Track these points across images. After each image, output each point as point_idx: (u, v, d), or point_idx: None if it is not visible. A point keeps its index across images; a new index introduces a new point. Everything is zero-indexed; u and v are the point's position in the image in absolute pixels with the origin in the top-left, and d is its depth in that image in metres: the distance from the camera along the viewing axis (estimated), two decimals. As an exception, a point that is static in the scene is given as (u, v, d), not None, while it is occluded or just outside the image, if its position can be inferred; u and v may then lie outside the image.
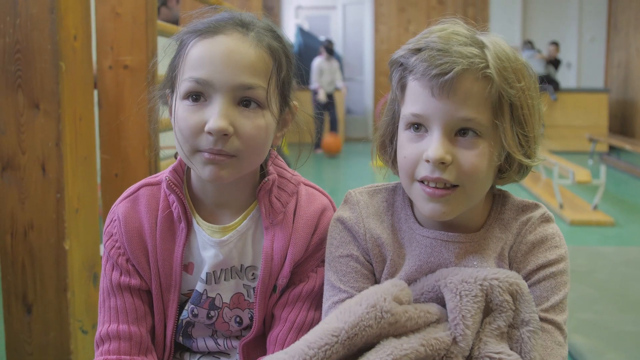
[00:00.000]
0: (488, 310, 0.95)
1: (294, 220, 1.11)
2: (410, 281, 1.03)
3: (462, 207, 0.99)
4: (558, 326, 1.00)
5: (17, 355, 1.88)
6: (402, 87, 1.01)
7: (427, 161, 0.95)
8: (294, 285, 1.11)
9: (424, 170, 0.96)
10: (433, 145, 0.94)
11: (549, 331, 0.99)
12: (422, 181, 0.97)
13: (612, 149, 9.42)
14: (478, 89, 0.94)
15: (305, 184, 1.17)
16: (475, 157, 0.95)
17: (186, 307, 1.14)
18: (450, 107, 0.94)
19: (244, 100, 1.01)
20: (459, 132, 0.95)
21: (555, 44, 10.01)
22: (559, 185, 5.45)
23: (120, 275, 1.11)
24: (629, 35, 10.43)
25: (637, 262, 3.75)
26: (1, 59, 1.79)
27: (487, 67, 0.93)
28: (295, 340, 1.08)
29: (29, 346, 1.87)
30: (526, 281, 1.01)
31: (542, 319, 0.99)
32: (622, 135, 9.91)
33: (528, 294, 0.94)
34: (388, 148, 1.08)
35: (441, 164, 0.94)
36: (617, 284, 3.34)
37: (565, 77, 11.17)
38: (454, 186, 0.96)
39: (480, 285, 0.94)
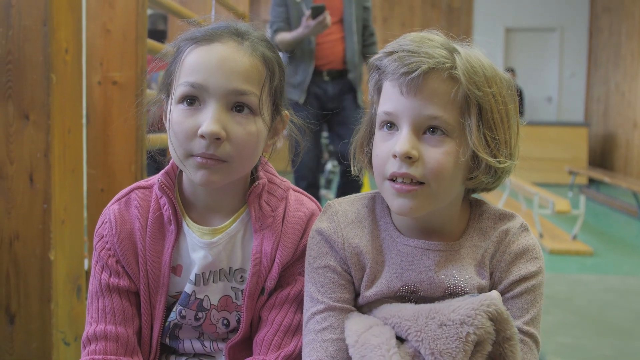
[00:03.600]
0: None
1: (282, 224, 1.13)
2: (391, 289, 1.05)
3: (430, 205, 1.00)
4: (535, 340, 1.04)
5: (-2, 366, 1.87)
6: (378, 90, 1.05)
7: (395, 156, 0.98)
8: (282, 288, 1.13)
9: (392, 166, 0.99)
10: (400, 140, 0.97)
11: (528, 345, 1.02)
12: (391, 179, 1.00)
13: (592, 181, 9.54)
14: (445, 89, 0.97)
15: (294, 190, 1.19)
16: (441, 154, 0.97)
17: (174, 309, 1.15)
18: (417, 105, 0.97)
19: (237, 105, 1.04)
20: (427, 130, 0.98)
21: (511, 70, 10.12)
22: (539, 215, 5.50)
23: (110, 276, 1.13)
24: (609, 71, 10.64)
25: (615, 290, 3.79)
26: (-7, 69, 1.81)
27: (454, 67, 0.97)
28: (282, 342, 1.10)
29: (11, 357, 1.86)
30: (507, 292, 1.04)
31: (522, 332, 1.01)
32: (602, 169, 10.04)
33: (506, 312, 0.95)
34: (365, 149, 1.11)
35: (408, 158, 0.96)
36: (595, 310, 3.38)
37: (546, 111, 11.34)
38: (421, 183, 0.98)
39: (460, 330, 0.93)
